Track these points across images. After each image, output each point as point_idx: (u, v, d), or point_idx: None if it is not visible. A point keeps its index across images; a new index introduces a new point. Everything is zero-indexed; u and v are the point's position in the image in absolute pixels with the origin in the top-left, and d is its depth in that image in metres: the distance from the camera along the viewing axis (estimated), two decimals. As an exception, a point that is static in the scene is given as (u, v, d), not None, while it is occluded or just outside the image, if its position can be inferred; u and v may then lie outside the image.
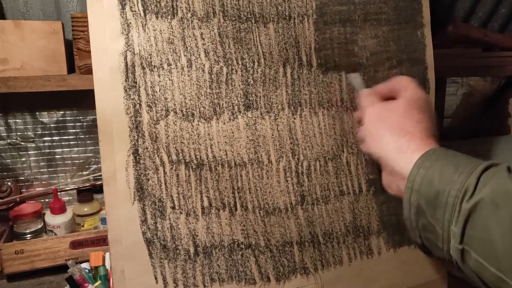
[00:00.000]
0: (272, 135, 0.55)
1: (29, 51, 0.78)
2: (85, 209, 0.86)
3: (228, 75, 0.53)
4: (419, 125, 0.46)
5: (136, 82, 0.50)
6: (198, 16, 0.52)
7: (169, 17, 0.51)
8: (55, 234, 0.82)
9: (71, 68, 0.83)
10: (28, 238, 0.81)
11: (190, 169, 0.52)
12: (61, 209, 0.84)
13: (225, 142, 0.53)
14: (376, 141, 0.49)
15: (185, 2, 0.51)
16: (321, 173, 0.58)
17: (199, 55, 0.52)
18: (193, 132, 0.52)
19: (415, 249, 0.63)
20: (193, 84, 0.52)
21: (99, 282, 0.67)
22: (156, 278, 0.50)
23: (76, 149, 0.92)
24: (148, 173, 0.50)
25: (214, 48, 0.53)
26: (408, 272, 0.62)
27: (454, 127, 1.22)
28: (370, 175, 0.60)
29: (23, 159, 0.89)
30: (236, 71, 0.54)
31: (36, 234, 0.82)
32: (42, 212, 0.85)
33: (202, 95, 0.52)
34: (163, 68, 0.51)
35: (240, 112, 0.54)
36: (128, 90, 0.49)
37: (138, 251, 0.50)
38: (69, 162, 0.92)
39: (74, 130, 0.91)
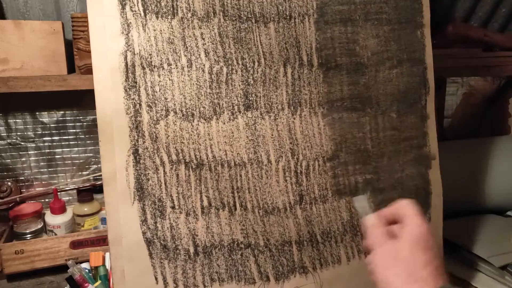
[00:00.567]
0: (272, 135, 0.55)
1: (29, 51, 0.78)
2: (85, 209, 0.86)
3: (228, 75, 0.53)
4: (427, 268, 0.47)
5: (136, 82, 0.50)
6: (198, 16, 0.52)
7: (169, 17, 0.51)
8: (55, 234, 0.82)
9: (71, 68, 0.83)
10: (28, 238, 0.81)
11: (190, 169, 0.52)
12: (61, 209, 0.84)
13: (225, 142, 0.53)
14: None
15: (185, 2, 0.51)
16: (319, 172, 0.58)
17: (199, 55, 0.52)
18: (193, 132, 0.52)
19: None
20: (193, 84, 0.52)
21: (99, 282, 0.67)
22: (156, 278, 0.50)
23: (76, 149, 0.92)
24: (148, 173, 0.50)
25: (214, 48, 0.53)
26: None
27: (454, 127, 1.21)
28: (367, 175, 0.60)
29: (23, 159, 0.89)
30: (236, 71, 0.54)
31: (36, 234, 0.82)
32: (42, 212, 0.85)
33: (202, 95, 0.52)
34: (163, 68, 0.51)
35: (240, 112, 0.54)
36: (128, 90, 0.49)
37: (138, 251, 0.50)
38: (69, 162, 0.92)
39: (74, 130, 0.91)
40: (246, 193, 0.54)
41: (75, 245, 0.79)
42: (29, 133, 0.89)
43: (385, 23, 0.61)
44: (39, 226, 0.83)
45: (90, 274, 0.69)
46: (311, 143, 0.57)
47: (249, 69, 0.54)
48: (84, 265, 0.71)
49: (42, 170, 0.91)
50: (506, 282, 0.70)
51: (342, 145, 0.59)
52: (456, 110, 1.21)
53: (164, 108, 0.51)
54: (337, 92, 0.59)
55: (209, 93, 0.53)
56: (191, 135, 0.52)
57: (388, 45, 0.62)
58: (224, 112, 0.53)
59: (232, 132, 0.53)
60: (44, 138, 0.90)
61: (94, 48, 0.49)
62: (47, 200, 0.90)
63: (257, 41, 0.55)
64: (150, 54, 0.50)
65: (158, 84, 0.50)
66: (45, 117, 0.89)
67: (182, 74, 0.51)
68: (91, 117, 0.91)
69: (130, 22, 0.49)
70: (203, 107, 0.52)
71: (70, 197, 0.93)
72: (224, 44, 0.53)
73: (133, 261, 0.49)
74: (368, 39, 0.60)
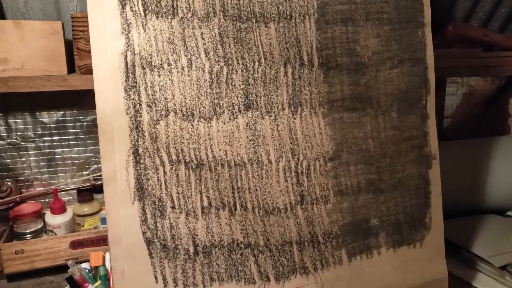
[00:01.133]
0: (272, 135, 0.55)
1: (29, 51, 0.78)
2: (85, 209, 0.86)
3: (229, 75, 0.53)
4: None
5: (136, 82, 0.50)
6: (199, 16, 0.52)
7: (169, 17, 0.51)
8: (55, 234, 0.82)
9: (71, 68, 0.83)
10: (28, 238, 0.81)
11: (190, 169, 0.52)
12: (61, 209, 0.84)
13: (225, 142, 0.53)
14: None
15: (185, 2, 0.51)
16: (320, 173, 0.58)
17: (199, 55, 0.52)
18: (193, 132, 0.52)
19: (415, 249, 0.63)
20: (193, 84, 0.52)
21: (99, 282, 0.67)
22: (156, 278, 0.50)
23: (76, 149, 0.92)
24: (148, 173, 0.50)
25: (214, 48, 0.53)
26: (407, 272, 0.62)
27: (454, 127, 1.22)
28: (370, 175, 0.60)
29: (23, 159, 0.89)
30: (237, 71, 0.54)
31: (36, 234, 0.82)
32: (42, 212, 0.85)
33: (202, 95, 0.52)
34: (163, 68, 0.51)
35: (240, 112, 0.54)
36: (128, 90, 0.49)
37: (138, 251, 0.50)
38: (69, 162, 0.92)
39: (74, 130, 0.91)
40: (246, 193, 0.54)
41: (75, 245, 0.79)
42: (29, 133, 0.89)
43: (386, 23, 0.61)
44: (39, 226, 0.83)
45: (90, 274, 0.69)
46: (311, 143, 0.57)
47: (249, 69, 0.54)
48: (84, 265, 0.71)
49: (42, 170, 0.91)
50: (506, 282, 0.70)
51: (343, 145, 0.59)
52: (456, 110, 1.21)
53: (164, 108, 0.51)
54: (338, 92, 0.59)
55: (209, 93, 0.52)
56: (191, 135, 0.52)
57: (389, 45, 0.62)
58: (224, 112, 0.53)
59: (232, 132, 0.53)
60: (44, 138, 0.90)
61: (94, 48, 0.49)
62: (47, 200, 0.90)
63: (257, 41, 0.54)
64: (150, 54, 0.50)
65: (158, 84, 0.50)
66: (45, 117, 0.89)
67: (182, 74, 0.51)
68: (91, 117, 0.91)
69: (130, 22, 0.49)
70: (203, 107, 0.52)
71: (70, 197, 0.93)
72: (224, 44, 0.53)
73: (133, 261, 0.49)
74: (368, 38, 0.60)
